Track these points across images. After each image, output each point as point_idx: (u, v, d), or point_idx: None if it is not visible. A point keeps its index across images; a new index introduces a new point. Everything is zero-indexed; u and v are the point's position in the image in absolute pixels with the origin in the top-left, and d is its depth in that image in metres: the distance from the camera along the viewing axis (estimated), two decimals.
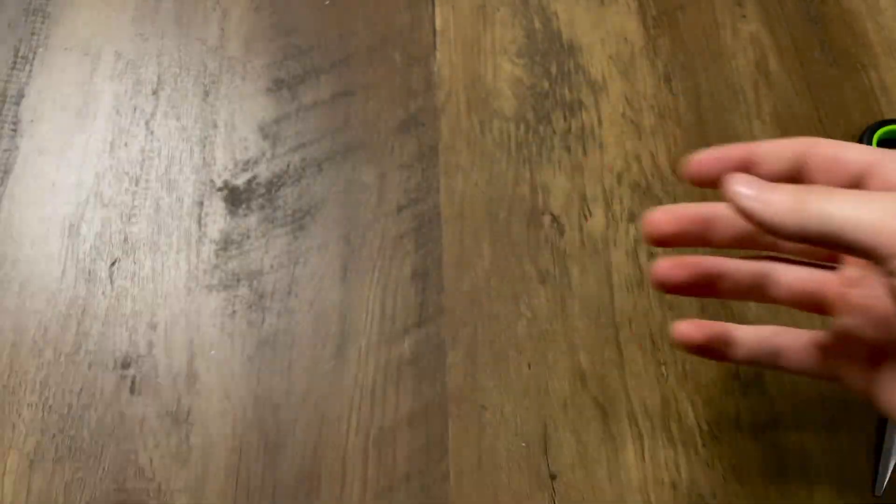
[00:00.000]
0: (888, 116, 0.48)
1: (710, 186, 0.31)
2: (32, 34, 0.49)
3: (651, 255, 0.43)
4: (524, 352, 0.40)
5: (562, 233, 0.43)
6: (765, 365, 0.32)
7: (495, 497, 0.36)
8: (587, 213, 0.44)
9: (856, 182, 0.29)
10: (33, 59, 0.48)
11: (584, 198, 0.44)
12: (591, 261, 0.42)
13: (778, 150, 0.30)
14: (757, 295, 0.32)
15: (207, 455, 0.37)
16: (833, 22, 0.52)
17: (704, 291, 0.32)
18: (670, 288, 0.32)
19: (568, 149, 0.46)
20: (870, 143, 0.45)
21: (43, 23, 0.49)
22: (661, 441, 0.38)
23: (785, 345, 0.32)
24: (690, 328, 0.32)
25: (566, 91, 0.48)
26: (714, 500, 0.36)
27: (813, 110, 0.48)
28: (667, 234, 0.32)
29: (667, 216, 0.32)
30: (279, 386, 0.39)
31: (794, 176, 0.30)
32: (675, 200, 0.44)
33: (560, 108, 0.47)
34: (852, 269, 0.30)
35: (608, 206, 0.44)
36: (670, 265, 0.32)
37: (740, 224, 0.30)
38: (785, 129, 0.47)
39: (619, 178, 0.45)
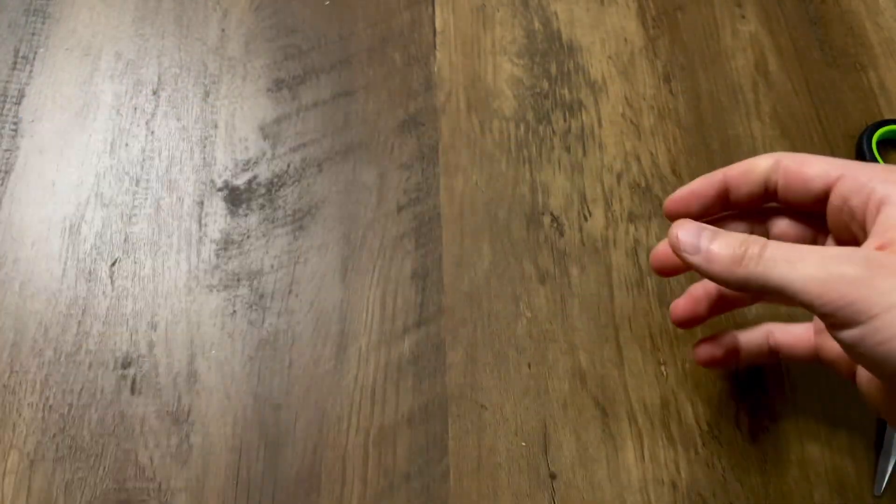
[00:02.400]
0: (887, 116, 0.48)
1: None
2: (33, 34, 0.49)
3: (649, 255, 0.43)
4: (524, 351, 0.40)
5: (561, 233, 0.43)
6: (766, 362, 0.35)
7: (495, 497, 0.36)
8: (587, 213, 0.44)
9: (821, 199, 0.30)
10: (34, 59, 0.48)
11: (583, 198, 0.44)
12: (591, 261, 0.42)
13: (748, 172, 0.32)
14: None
15: (207, 454, 0.37)
16: (832, 22, 0.52)
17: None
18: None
19: (568, 149, 0.46)
20: (869, 143, 0.46)
21: (43, 23, 0.49)
22: (660, 441, 0.38)
23: (781, 341, 0.35)
24: (711, 348, 0.35)
25: (566, 91, 0.48)
26: (714, 500, 0.36)
27: (812, 110, 0.48)
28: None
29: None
30: (279, 385, 0.39)
31: (768, 193, 0.32)
32: None
33: (560, 109, 0.47)
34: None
35: (608, 206, 0.44)
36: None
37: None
38: (784, 129, 0.47)
39: (619, 178, 0.45)
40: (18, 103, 0.46)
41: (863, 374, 0.31)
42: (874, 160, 0.45)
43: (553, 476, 0.37)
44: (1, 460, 0.36)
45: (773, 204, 0.33)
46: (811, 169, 0.31)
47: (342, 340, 0.40)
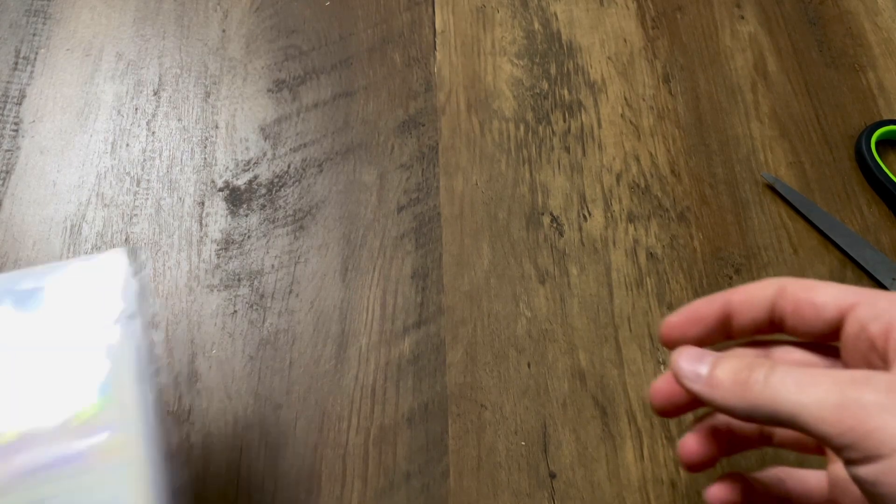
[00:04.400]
0: (886, 117, 0.48)
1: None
2: (34, 35, 0.49)
3: (650, 257, 0.43)
4: (524, 351, 0.40)
5: (561, 233, 0.43)
6: None
7: (495, 496, 0.36)
8: (586, 213, 0.44)
9: (833, 329, 0.28)
10: (35, 59, 0.48)
11: (583, 198, 0.44)
12: (591, 260, 0.43)
13: (751, 298, 0.29)
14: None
15: (208, 453, 0.37)
16: (831, 23, 0.52)
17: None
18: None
19: (567, 149, 0.46)
20: (868, 144, 0.46)
21: (44, 24, 0.49)
22: (660, 440, 0.38)
23: (792, 492, 0.31)
24: (727, 494, 0.31)
25: (565, 92, 0.48)
26: None
27: (811, 111, 0.48)
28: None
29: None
30: (280, 385, 0.39)
31: (774, 322, 0.29)
32: (673, 201, 0.45)
33: (559, 109, 0.48)
34: (836, 466, 0.29)
35: (607, 206, 0.44)
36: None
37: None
38: (783, 129, 0.47)
39: (618, 178, 0.45)
40: (20, 104, 0.46)
41: None
42: (873, 160, 0.45)
43: (553, 475, 0.37)
44: None
45: (781, 335, 0.30)
46: (822, 295, 0.28)
47: (342, 340, 0.40)
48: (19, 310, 0.26)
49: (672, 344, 0.31)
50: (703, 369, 0.27)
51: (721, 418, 0.31)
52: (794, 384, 0.24)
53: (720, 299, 0.30)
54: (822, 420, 0.22)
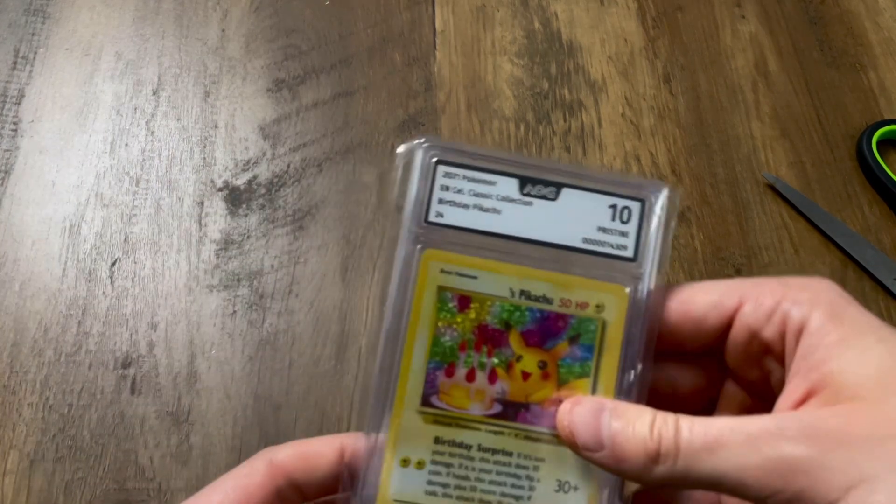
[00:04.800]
0: (887, 117, 0.48)
1: None
2: (33, 34, 0.49)
3: None
4: None
5: None
6: None
7: None
8: None
9: (717, 337, 0.24)
10: (34, 59, 0.48)
11: None
12: None
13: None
14: None
15: (207, 454, 0.37)
16: (832, 22, 0.52)
17: None
18: None
19: (568, 149, 0.46)
20: (869, 144, 0.46)
21: (43, 23, 0.49)
22: None
23: None
24: None
25: (566, 91, 0.48)
26: None
27: (812, 111, 0.48)
28: None
29: None
30: (279, 385, 0.39)
31: None
32: None
33: (560, 109, 0.47)
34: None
35: None
36: None
37: None
38: (784, 129, 0.47)
39: None
40: (18, 103, 0.46)
41: None
42: (874, 160, 0.45)
43: None
44: (1, 460, 0.36)
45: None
46: (698, 305, 0.24)
47: (342, 340, 0.40)
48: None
49: None
50: (604, 430, 0.22)
51: None
52: (704, 448, 0.21)
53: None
54: (743, 485, 0.20)
